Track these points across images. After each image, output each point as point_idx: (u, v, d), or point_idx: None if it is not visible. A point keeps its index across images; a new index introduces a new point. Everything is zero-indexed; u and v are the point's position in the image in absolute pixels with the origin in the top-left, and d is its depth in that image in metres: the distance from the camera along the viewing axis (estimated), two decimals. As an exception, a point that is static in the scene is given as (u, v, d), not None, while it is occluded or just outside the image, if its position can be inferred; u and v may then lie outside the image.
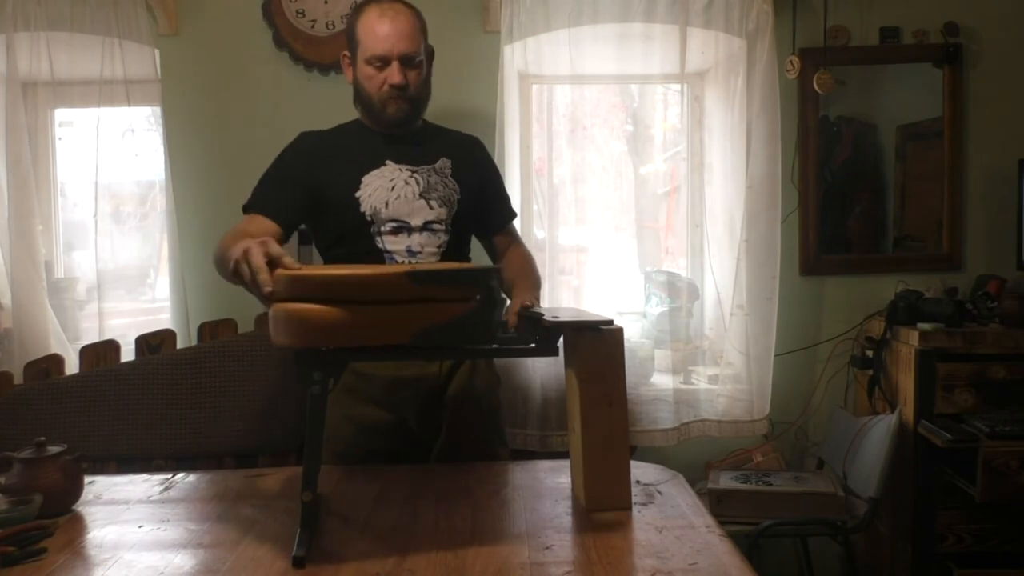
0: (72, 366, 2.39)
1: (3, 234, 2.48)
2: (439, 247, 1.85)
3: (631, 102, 2.87)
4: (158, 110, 2.55)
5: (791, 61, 2.59)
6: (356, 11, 1.89)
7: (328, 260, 1.93)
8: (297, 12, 2.53)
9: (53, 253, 2.71)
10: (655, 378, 2.64)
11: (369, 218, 1.82)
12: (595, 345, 1.40)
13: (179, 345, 2.39)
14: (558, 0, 2.49)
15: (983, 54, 2.65)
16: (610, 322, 1.41)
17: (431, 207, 1.84)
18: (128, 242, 2.73)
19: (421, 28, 1.88)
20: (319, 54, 2.55)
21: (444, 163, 1.90)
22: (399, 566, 1.20)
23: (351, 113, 2.58)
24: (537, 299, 1.74)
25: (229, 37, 2.57)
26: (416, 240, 1.83)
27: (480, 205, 1.95)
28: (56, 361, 2.34)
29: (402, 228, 1.83)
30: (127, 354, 2.37)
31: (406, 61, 1.82)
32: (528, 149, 2.64)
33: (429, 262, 1.84)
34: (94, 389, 2.27)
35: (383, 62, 1.82)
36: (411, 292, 1.23)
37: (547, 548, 1.26)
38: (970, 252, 2.68)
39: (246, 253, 1.29)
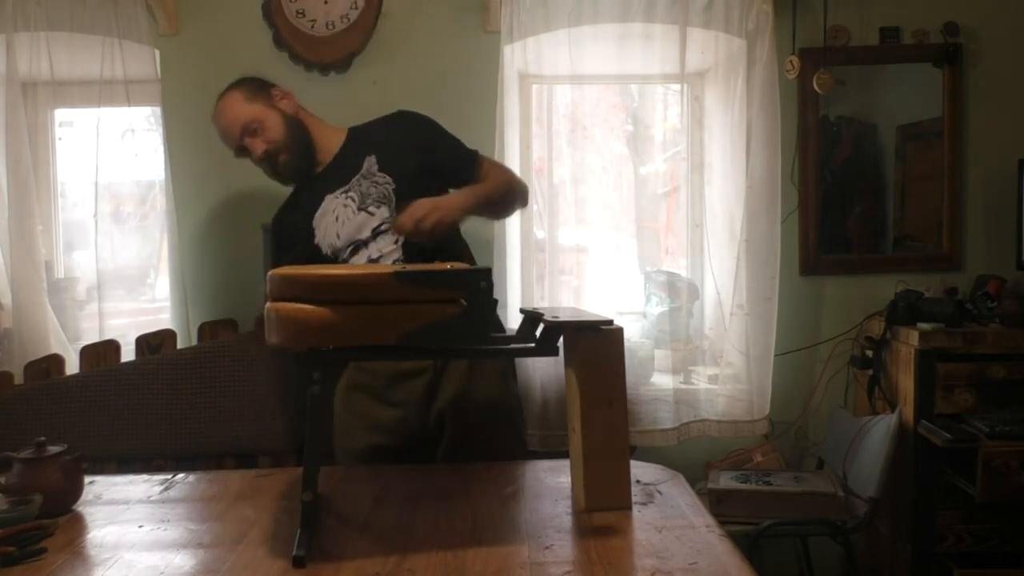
0: (72, 366, 2.39)
1: (3, 234, 2.47)
2: (396, 242, 1.87)
3: (631, 102, 2.87)
4: (158, 110, 2.56)
5: (791, 61, 2.59)
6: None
7: None
8: (297, 12, 2.53)
9: (53, 253, 2.71)
10: (655, 378, 2.64)
11: (332, 255, 1.89)
12: (595, 345, 1.40)
13: (179, 345, 2.39)
14: (558, 0, 2.49)
15: (983, 54, 2.65)
16: (610, 322, 1.41)
17: (371, 213, 1.88)
18: (128, 242, 2.73)
19: (247, 96, 1.97)
20: (319, 54, 2.55)
21: (369, 162, 1.93)
22: (399, 566, 1.20)
23: (350, 113, 2.57)
24: (446, 206, 1.76)
25: (229, 37, 2.57)
26: (373, 248, 1.87)
27: (428, 173, 1.91)
28: (56, 361, 2.34)
29: (359, 246, 1.88)
30: (127, 354, 2.37)
31: (250, 133, 1.93)
32: (528, 149, 2.65)
33: (395, 259, 1.86)
34: (94, 389, 2.27)
35: (241, 150, 1.96)
36: (396, 293, 1.23)
37: (547, 548, 1.26)
38: (970, 252, 2.68)
39: None
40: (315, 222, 1.91)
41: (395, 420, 1.86)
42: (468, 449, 1.83)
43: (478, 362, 1.90)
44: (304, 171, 1.97)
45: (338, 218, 1.89)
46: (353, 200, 1.89)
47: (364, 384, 1.87)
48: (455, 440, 1.85)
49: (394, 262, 1.86)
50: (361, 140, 1.99)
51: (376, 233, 1.87)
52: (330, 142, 2.00)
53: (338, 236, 1.88)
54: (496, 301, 1.30)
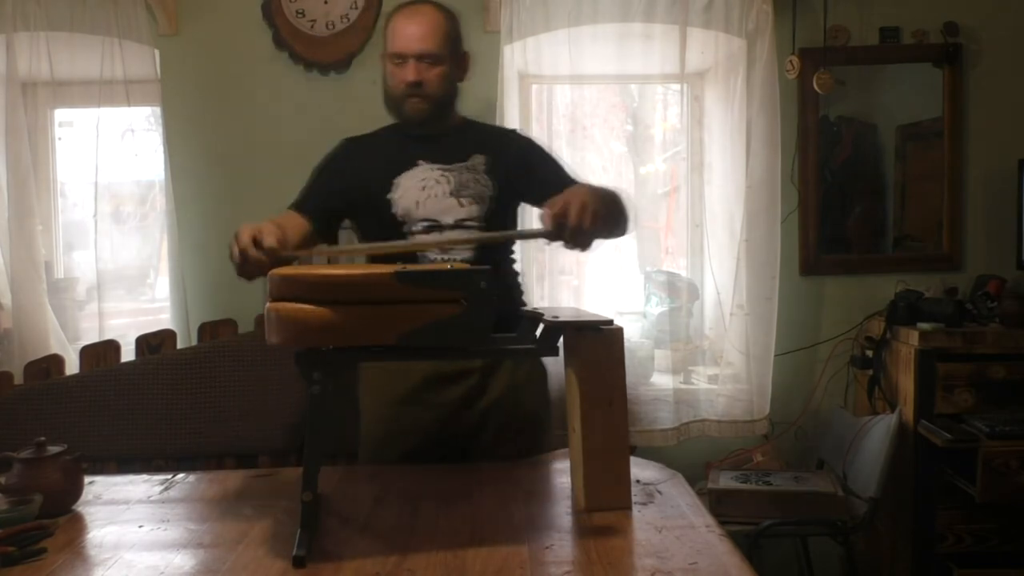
0: (72, 366, 2.39)
1: (3, 234, 2.48)
2: (472, 246, 1.83)
3: (631, 102, 2.87)
4: (158, 110, 2.56)
5: (791, 61, 2.59)
6: (390, 13, 1.92)
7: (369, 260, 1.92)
8: (297, 12, 2.53)
9: (53, 253, 2.71)
10: (655, 378, 2.64)
11: (401, 219, 1.84)
12: (595, 345, 1.40)
13: (179, 345, 2.39)
14: (558, 0, 2.49)
15: (983, 54, 2.65)
16: (610, 322, 1.41)
17: (462, 204, 1.84)
18: (128, 242, 2.73)
19: (447, 29, 1.88)
20: (319, 54, 2.55)
21: (478, 160, 1.89)
22: (399, 566, 1.20)
23: (351, 114, 2.59)
24: (583, 201, 1.47)
25: (229, 37, 2.57)
26: (448, 237, 1.83)
27: (528, 195, 1.91)
28: (56, 361, 2.34)
29: (433, 227, 1.83)
30: (127, 354, 2.37)
31: (424, 59, 1.83)
32: (528, 149, 2.64)
33: (463, 258, 1.82)
34: (94, 389, 2.27)
35: (401, 59, 1.84)
36: (397, 292, 1.23)
37: (547, 548, 1.26)
38: (970, 252, 2.68)
39: (237, 235, 1.52)
40: (399, 179, 1.85)
41: (428, 422, 1.82)
42: (507, 448, 1.80)
43: (520, 364, 1.88)
44: (414, 125, 1.89)
45: (425, 187, 1.84)
46: (448, 182, 1.85)
47: (391, 386, 1.84)
48: (496, 440, 1.83)
49: (462, 260, 1.81)
50: (476, 135, 1.96)
51: (457, 225, 1.83)
52: (452, 120, 1.96)
53: (417, 205, 1.83)
54: (496, 301, 1.30)
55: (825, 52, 2.59)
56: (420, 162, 1.87)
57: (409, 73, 1.83)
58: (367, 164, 1.90)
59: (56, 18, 2.44)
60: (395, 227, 1.84)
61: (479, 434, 1.84)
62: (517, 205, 1.96)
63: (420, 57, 1.83)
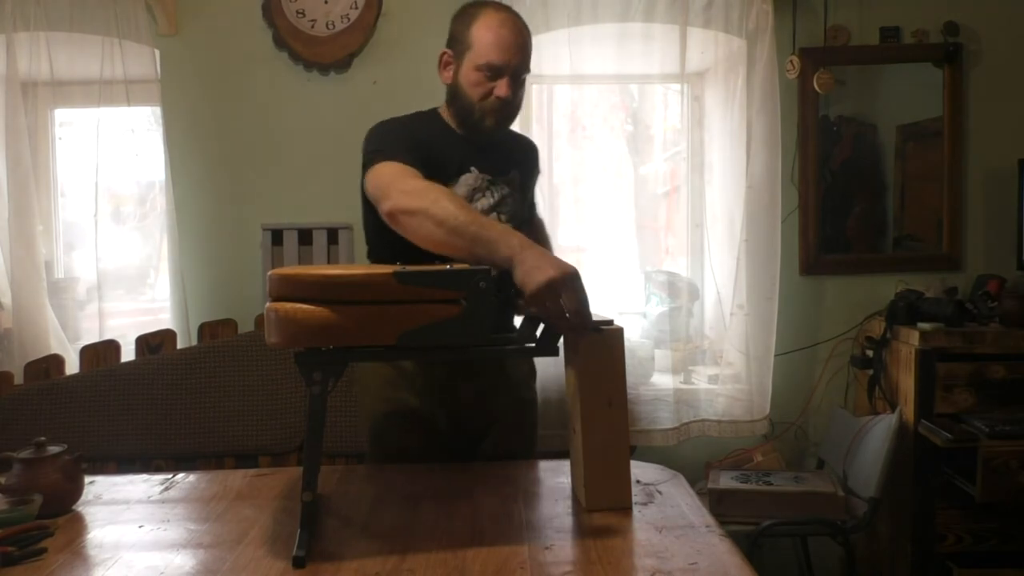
0: (72, 366, 2.39)
1: (3, 234, 2.48)
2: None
3: (631, 102, 2.87)
4: (158, 110, 2.56)
5: (791, 61, 2.59)
6: (469, 12, 1.76)
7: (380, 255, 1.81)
8: (297, 12, 2.53)
9: (53, 253, 2.72)
10: (655, 378, 2.64)
11: None
12: (595, 345, 1.40)
13: (179, 345, 2.39)
14: (558, 0, 2.48)
15: (983, 54, 2.65)
16: (610, 322, 1.41)
17: (501, 221, 1.73)
18: (128, 242, 2.74)
19: (530, 44, 1.77)
20: (319, 54, 2.55)
21: (515, 175, 1.82)
22: (399, 566, 1.20)
23: (350, 114, 2.59)
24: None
25: (229, 37, 2.58)
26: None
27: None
28: (56, 361, 2.34)
29: None
30: (127, 354, 2.37)
31: (516, 76, 1.72)
32: (528, 149, 2.64)
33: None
34: (94, 389, 2.27)
35: (495, 73, 1.70)
36: (397, 293, 1.23)
37: (547, 548, 1.26)
38: (970, 252, 2.68)
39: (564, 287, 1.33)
40: (451, 183, 1.72)
41: (437, 422, 1.78)
42: (512, 449, 1.78)
43: (527, 364, 1.87)
44: (486, 136, 1.75)
45: (473, 198, 1.73)
46: (492, 195, 1.76)
47: (404, 382, 1.79)
48: (502, 439, 1.80)
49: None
50: (513, 146, 1.87)
51: None
52: None
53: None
54: (495, 301, 1.29)
55: (825, 52, 2.59)
56: (472, 168, 1.76)
57: (503, 88, 1.69)
58: (435, 153, 1.73)
59: (56, 18, 2.45)
60: None
61: (487, 434, 1.81)
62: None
63: (514, 72, 1.70)
